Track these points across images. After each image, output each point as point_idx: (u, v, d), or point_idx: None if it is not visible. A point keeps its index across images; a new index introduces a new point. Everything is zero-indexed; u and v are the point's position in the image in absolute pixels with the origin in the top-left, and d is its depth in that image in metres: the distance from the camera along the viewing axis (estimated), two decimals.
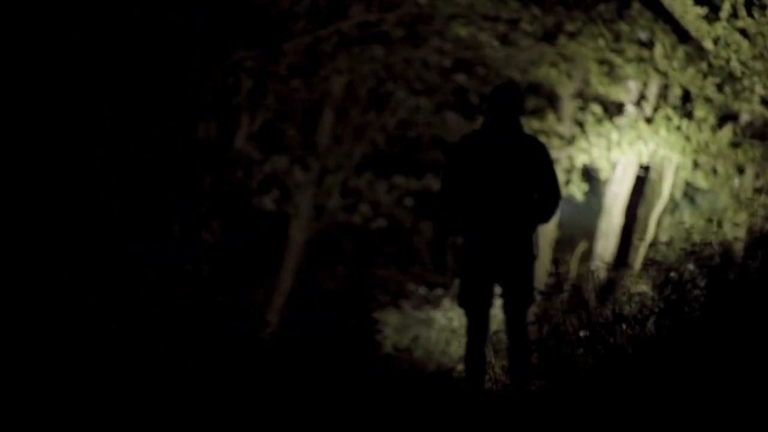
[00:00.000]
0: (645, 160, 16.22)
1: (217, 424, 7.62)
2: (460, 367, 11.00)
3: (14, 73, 11.42)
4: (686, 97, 14.76)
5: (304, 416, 7.83)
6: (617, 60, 14.38)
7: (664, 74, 14.08)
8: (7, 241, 10.47)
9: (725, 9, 11.56)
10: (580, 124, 16.50)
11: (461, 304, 7.77)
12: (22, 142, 11.25)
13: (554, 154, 16.76)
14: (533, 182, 7.72)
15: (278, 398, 8.15)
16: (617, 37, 14.53)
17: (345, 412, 7.90)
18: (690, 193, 17.61)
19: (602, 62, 15.14)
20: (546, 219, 7.77)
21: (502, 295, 7.74)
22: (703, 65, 12.54)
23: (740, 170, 14.52)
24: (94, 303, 9.61)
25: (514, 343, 7.68)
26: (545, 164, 7.76)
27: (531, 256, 7.70)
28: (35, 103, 11.50)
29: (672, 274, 7.91)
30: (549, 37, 15.04)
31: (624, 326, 7.64)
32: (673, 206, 17.34)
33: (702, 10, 11.85)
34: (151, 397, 7.88)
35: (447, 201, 7.79)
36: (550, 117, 16.80)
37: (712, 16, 11.95)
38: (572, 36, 14.71)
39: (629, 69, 14.47)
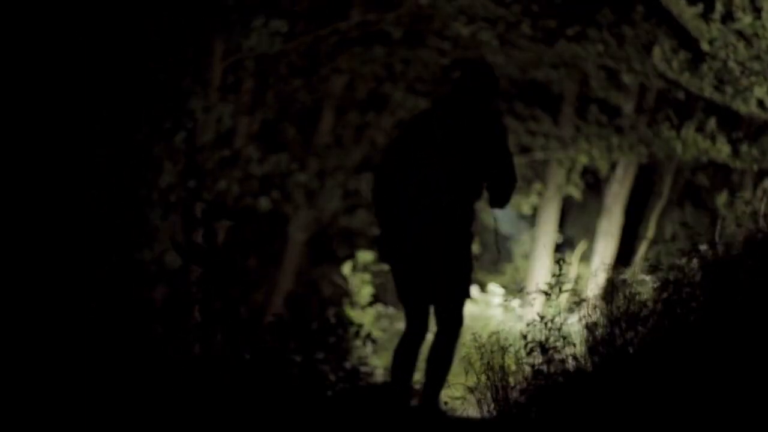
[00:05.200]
0: (645, 161, 16.23)
1: (217, 425, 7.64)
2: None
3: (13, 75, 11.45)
4: (686, 97, 14.76)
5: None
6: (616, 66, 14.36)
7: (662, 76, 14.10)
8: (7, 242, 10.48)
9: (717, 10, 11.56)
10: (583, 121, 16.51)
11: (400, 299, 7.27)
12: (21, 140, 11.27)
13: (555, 154, 16.78)
14: (485, 165, 7.20)
15: (269, 399, 8.17)
16: (620, 42, 14.50)
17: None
18: (690, 192, 17.63)
19: (601, 67, 15.13)
20: (503, 203, 7.26)
21: (433, 288, 7.20)
22: (704, 66, 12.54)
23: (740, 171, 14.53)
24: (96, 304, 9.63)
25: (436, 347, 7.20)
26: (501, 145, 7.20)
27: (466, 242, 7.21)
28: (36, 102, 11.51)
29: (672, 274, 7.90)
30: (549, 39, 15.03)
31: (624, 326, 7.64)
32: (673, 206, 17.35)
33: (697, 9, 11.85)
34: (153, 397, 7.90)
35: (387, 180, 7.20)
36: (549, 119, 16.83)
37: (710, 16, 11.95)
38: (572, 39, 14.71)
39: (628, 77, 14.48)
